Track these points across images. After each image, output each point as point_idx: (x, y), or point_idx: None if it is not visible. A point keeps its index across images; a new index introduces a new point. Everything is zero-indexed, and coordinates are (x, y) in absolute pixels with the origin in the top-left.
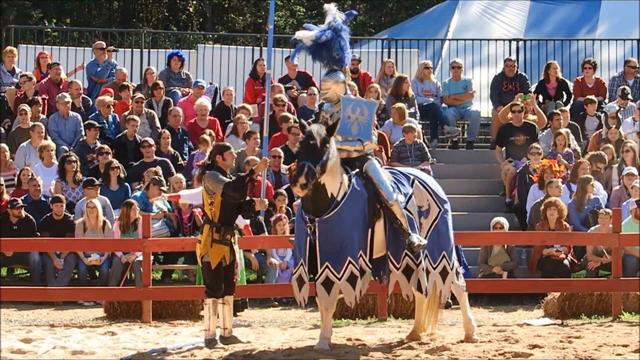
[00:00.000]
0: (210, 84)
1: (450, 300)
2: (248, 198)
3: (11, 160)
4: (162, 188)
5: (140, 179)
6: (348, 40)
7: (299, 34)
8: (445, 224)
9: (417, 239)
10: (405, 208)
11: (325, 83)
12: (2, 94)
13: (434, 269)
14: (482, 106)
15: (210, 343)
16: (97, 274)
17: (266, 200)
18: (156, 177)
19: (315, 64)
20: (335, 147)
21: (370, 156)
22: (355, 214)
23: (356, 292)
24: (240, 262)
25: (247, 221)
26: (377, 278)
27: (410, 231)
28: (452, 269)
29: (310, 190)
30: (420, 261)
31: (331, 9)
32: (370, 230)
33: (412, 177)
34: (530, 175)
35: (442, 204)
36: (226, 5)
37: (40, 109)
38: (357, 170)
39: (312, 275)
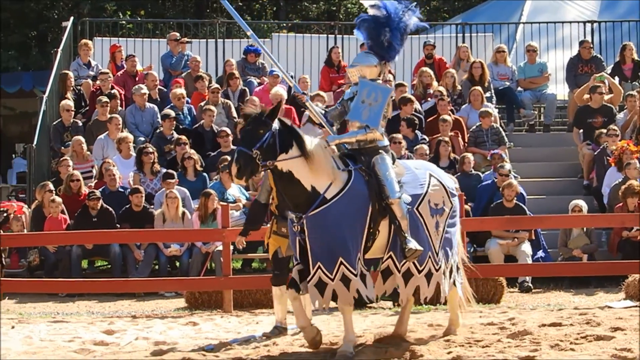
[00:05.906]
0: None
1: (530, 284)
2: None
3: (88, 152)
4: None
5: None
6: (403, 42)
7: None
8: (452, 222)
9: (415, 245)
10: (417, 209)
11: (356, 64)
12: (79, 87)
13: (437, 270)
14: (558, 89)
15: (274, 329)
16: (178, 264)
17: None
18: (226, 163)
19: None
20: (308, 139)
21: (383, 150)
22: (350, 212)
23: (351, 294)
24: None
25: None
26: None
27: (408, 235)
28: (449, 268)
29: (282, 185)
30: (425, 267)
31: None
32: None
33: (428, 172)
34: (607, 157)
35: (452, 199)
36: None
37: (118, 102)
38: (360, 165)
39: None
